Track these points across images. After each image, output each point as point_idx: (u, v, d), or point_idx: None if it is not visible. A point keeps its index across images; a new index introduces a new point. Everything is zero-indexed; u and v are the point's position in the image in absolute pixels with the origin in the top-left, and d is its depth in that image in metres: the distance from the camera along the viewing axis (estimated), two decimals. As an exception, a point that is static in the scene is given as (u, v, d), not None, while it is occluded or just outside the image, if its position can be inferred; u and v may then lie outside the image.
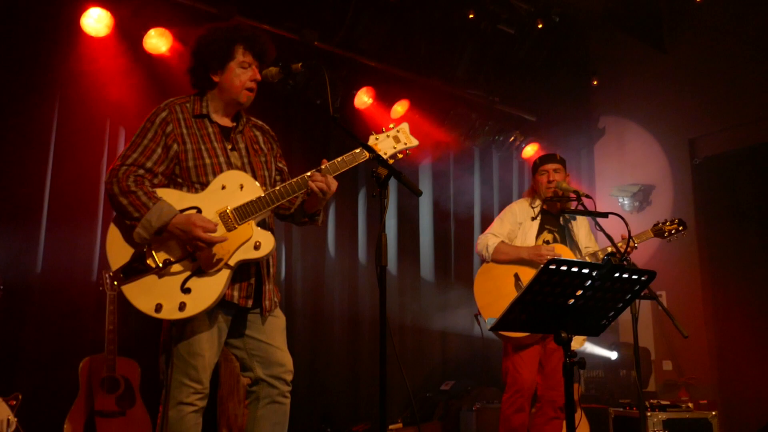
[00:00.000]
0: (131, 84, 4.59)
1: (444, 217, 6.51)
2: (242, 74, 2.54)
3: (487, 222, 4.16)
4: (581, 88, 6.99)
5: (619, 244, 3.51)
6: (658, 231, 3.88)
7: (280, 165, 2.76)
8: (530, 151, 6.67)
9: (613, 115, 6.92)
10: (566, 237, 3.93)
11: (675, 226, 3.87)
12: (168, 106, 2.53)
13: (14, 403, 3.49)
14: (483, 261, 3.93)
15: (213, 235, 2.35)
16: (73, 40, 4.34)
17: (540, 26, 6.11)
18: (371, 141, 2.59)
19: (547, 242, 3.86)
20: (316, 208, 2.65)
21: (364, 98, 5.60)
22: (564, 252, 3.81)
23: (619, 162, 6.75)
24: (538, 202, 3.92)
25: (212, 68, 2.54)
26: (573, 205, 3.80)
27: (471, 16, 5.85)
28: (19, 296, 4.05)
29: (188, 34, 4.49)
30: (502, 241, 3.84)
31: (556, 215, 3.94)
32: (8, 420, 3.42)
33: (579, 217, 3.97)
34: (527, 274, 3.75)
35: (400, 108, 5.81)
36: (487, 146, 6.57)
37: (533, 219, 3.88)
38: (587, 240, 3.95)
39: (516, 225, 3.90)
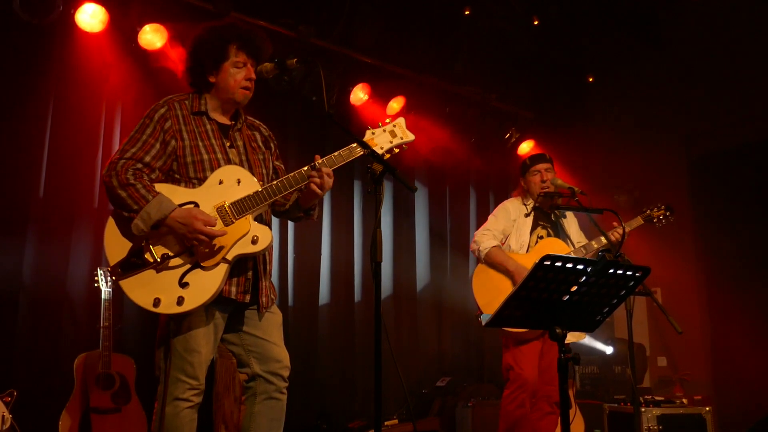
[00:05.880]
0: (126, 80, 4.58)
1: (440, 212, 6.51)
2: (237, 74, 2.55)
3: (482, 218, 4.17)
4: (577, 84, 7.00)
5: (610, 233, 3.63)
6: (647, 217, 3.94)
7: (278, 164, 2.77)
8: (526, 147, 6.67)
9: (608, 111, 6.93)
10: (559, 232, 3.98)
11: (663, 211, 3.94)
12: (167, 103, 2.54)
13: (9, 399, 3.48)
14: (477, 259, 3.96)
15: (213, 228, 2.36)
16: (67, 36, 4.32)
17: (536, 23, 6.11)
18: (367, 136, 2.60)
19: (541, 237, 3.90)
20: (311, 202, 2.66)
21: (360, 94, 5.60)
22: (558, 245, 3.84)
23: (615, 158, 6.76)
24: (530, 201, 3.97)
25: (208, 69, 2.54)
26: (565, 201, 3.86)
27: (467, 12, 5.85)
28: (13, 292, 4.05)
29: (184, 30, 4.48)
30: (497, 247, 3.86)
31: (548, 212, 4.00)
32: (3, 416, 3.41)
33: (569, 214, 4.04)
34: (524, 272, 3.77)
35: (395, 104, 5.81)
36: (484, 143, 6.57)
37: (526, 216, 3.93)
38: (578, 236, 4.03)
39: (510, 222, 3.95)
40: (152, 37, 4.52)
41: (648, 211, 3.96)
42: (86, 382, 3.89)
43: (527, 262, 3.80)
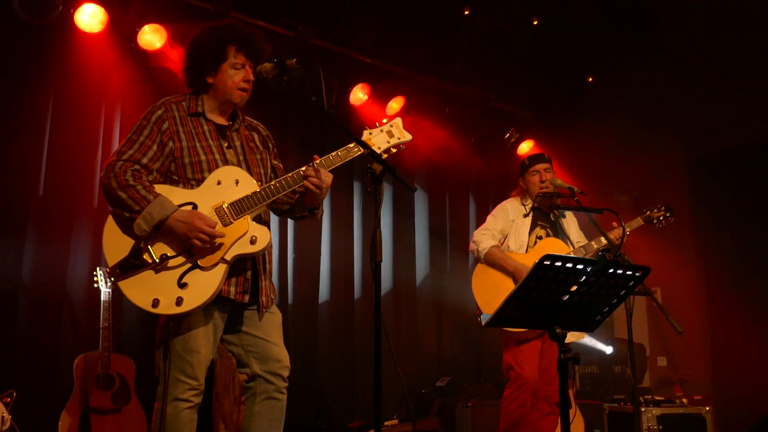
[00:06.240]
0: (126, 80, 4.58)
1: (439, 212, 6.51)
2: (235, 75, 2.55)
3: (481, 218, 4.17)
4: (577, 84, 6.99)
5: (609, 233, 3.63)
6: (647, 218, 3.95)
7: (276, 163, 2.77)
8: (526, 147, 6.68)
9: (608, 111, 6.93)
10: (558, 232, 3.97)
11: (663, 212, 3.95)
12: (164, 104, 2.54)
13: (9, 400, 3.48)
14: (477, 260, 3.96)
15: (214, 230, 2.37)
16: (67, 36, 4.32)
17: (536, 23, 6.11)
18: (365, 136, 2.61)
19: (540, 237, 3.90)
20: (315, 202, 2.66)
21: (359, 95, 5.60)
22: (558, 245, 3.84)
23: (615, 158, 6.76)
24: (529, 201, 3.97)
25: (206, 70, 2.55)
26: (564, 201, 3.85)
27: (466, 12, 5.85)
28: (13, 292, 4.04)
29: (183, 30, 4.48)
30: (496, 246, 3.87)
31: (546, 212, 3.99)
32: (2, 417, 3.41)
33: (568, 214, 4.03)
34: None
35: (395, 104, 5.81)
36: (483, 143, 6.57)
37: (525, 216, 3.93)
38: (578, 235, 4.03)
39: (509, 222, 3.95)
40: (152, 37, 4.52)
41: (648, 212, 3.96)
42: (86, 382, 3.89)
43: (527, 261, 3.79)
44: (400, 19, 5.74)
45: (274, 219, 5.23)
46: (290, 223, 5.35)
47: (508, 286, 3.76)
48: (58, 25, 4.25)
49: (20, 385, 3.64)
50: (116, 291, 2.35)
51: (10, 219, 4.11)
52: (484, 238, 3.91)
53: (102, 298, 3.97)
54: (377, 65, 5.65)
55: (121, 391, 3.95)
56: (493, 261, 3.85)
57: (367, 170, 2.37)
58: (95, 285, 4.03)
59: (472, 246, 3.96)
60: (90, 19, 4.32)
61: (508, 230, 3.95)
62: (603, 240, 3.76)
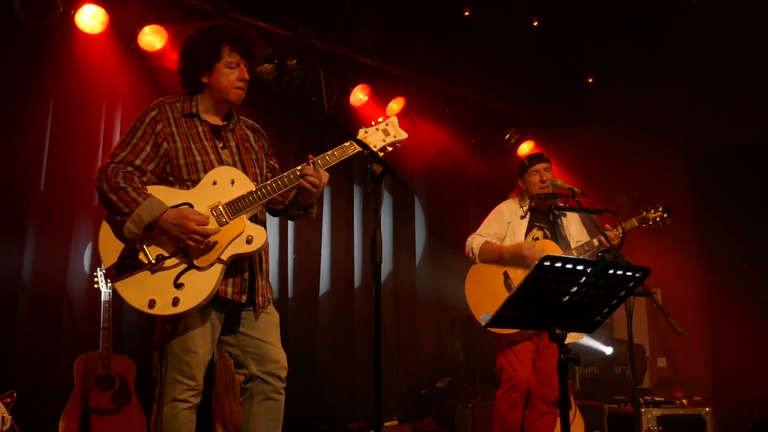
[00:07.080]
0: (126, 81, 4.58)
1: (439, 213, 6.51)
2: (230, 74, 2.55)
3: (481, 218, 4.16)
4: (577, 85, 7.00)
5: (608, 232, 3.61)
6: (641, 219, 3.92)
7: (272, 163, 2.77)
8: (525, 148, 6.67)
9: (608, 112, 6.93)
10: (557, 233, 3.95)
11: (660, 213, 3.91)
12: (157, 106, 2.54)
13: (9, 400, 3.48)
14: (472, 262, 3.96)
15: (206, 227, 2.36)
16: (67, 37, 4.32)
17: (535, 24, 6.11)
18: (360, 134, 2.62)
19: (536, 239, 3.88)
20: (310, 200, 2.66)
21: (359, 95, 5.60)
22: (551, 248, 3.83)
23: (615, 159, 6.76)
24: (527, 201, 3.95)
25: (201, 70, 2.54)
26: (563, 201, 3.84)
27: (467, 13, 5.85)
28: (13, 292, 4.05)
29: (184, 31, 4.46)
30: (487, 241, 3.86)
31: (545, 212, 3.97)
32: (3, 418, 3.41)
33: (569, 213, 4.01)
34: (516, 272, 3.78)
35: (395, 105, 5.81)
36: (483, 143, 6.57)
37: (522, 218, 3.91)
38: (579, 234, 3.99)
39: (504, 224, 3.93)
40: (152, 38, 4.53)
41: (644, 213, 3.93)
42: (86, 383, 3.89)
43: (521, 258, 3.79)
44: (400, 20, 5.74)
45: (274, 220, 5.24)
46: (290, 224, 5.35)
47: (499, 288, 3.77)
48: (58, 26, 4.25)
49: (20, 386, 3.64)
50: (117, 291, 2.36)
51: (11, 219, 4.11)
52: (475, 239, 3.91)
53: (102, 299, 3.97)
54: (377, 66, 5.65)
55: (122, 392, 3.95)
56: (487, 254, 3.83)
57: (367, 171, 2.37)
58: (96, 285, 4.03)
59: (466, 250, 3.96)
60: (90, 20, 4.32)
61: (503, 233, 3.93)
62: (602, 239, 3.75)
